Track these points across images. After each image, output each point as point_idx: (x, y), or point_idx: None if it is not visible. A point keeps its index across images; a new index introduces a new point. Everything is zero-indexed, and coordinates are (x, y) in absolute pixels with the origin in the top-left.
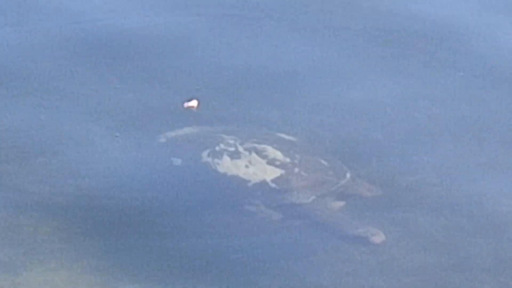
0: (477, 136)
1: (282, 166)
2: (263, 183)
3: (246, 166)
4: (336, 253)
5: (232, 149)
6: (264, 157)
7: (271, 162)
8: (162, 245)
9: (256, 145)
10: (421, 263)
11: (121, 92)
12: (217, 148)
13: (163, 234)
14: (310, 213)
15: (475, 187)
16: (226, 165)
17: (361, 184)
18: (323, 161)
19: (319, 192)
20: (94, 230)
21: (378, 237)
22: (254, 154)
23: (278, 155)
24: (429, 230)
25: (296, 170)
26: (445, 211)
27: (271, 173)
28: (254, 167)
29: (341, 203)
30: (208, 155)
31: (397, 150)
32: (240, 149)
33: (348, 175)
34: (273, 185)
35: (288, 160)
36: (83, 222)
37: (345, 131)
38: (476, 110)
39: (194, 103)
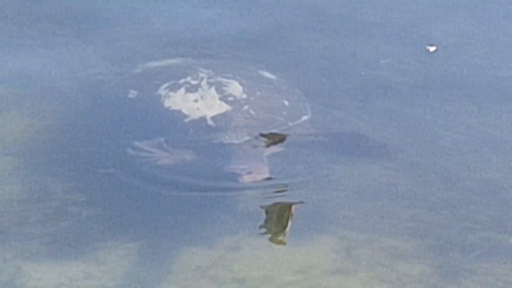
0: None
1: (233, 102)
2: (202, 119)
3: (195, 101)
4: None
5: (195, 82)
6: (220, 92)
7: (224, 97)
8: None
9: (223, 79)
10: None
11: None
12: (180, 81)
13: (79, 157)
14: (228, 153)
15: None
16: (175, 99)
17: (310, 129)
18: (285, 101)
19: (256, 132)
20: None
21: (248, 177)
22: (212, 89)
23: (238, 90)
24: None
25: (246, 107)
26: None
27: (216, 109)
28: (203, 101)
29: (275, 146)
30: (167, 87)
31: None
32: (204, 82)
33: (304, 118)
34: (210, 122)
35: (244, 96)
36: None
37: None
38: None
39: None
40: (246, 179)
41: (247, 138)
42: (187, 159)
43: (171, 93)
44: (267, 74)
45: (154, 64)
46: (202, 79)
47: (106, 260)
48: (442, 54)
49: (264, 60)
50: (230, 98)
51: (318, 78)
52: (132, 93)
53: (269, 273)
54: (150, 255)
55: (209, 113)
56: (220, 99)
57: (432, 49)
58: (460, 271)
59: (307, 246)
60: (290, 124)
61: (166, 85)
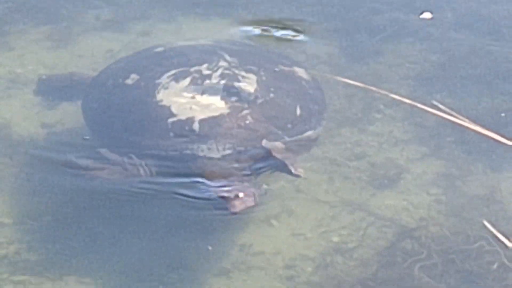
0: None
1: (234, 103)
2: (187, 122)
3: (193, 97)
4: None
5: (208, 72)
6: (228, 88)
7: (228, 96)
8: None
9: (242, 72)
10: None
11: None
12: (192, 69)
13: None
14: (197, 168)
15: None
16: (172, 91)
17: (305, 147)
18: (298, 110)
19: (242, 146)
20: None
21: (238, 207)
22: (220, 84)
23: (249, 89)
24: None
25: (245, 112)
26: None
27: (209, 111)
28: (202, 98)
29: (252, 162)
30: (172, 75)
31: None
32: (217, 73)
33: (307, 133)
34: (195, 126)
35: (251, 98)
36: None
37: None
38: None
39: None
40: (234, 208)
41: (228, 152)
42: (142, 175)
43: (172, 83)
44: (301, 72)
45: (180, 43)
46: (218, 69)
47: None
48: None
49: None
50: (234, 98)
51: None
52: (132, 78)
53: None
54: None
55: (199, 115)
56: (222, 97)
57: None
58: (367, 52)
59: None
60: (287, 139)
61: (172, 72)
